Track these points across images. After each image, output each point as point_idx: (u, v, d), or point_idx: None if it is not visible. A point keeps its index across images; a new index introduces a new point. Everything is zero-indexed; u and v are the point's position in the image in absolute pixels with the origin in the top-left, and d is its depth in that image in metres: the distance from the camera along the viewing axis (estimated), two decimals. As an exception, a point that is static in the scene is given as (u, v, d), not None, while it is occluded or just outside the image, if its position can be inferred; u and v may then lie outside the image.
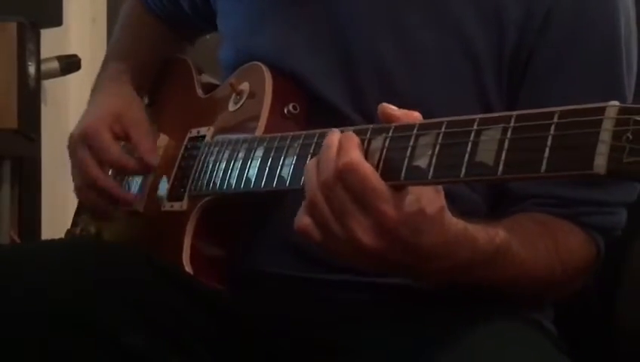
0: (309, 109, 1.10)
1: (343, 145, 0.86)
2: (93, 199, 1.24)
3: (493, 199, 1.09)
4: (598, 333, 1.17)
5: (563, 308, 1.13)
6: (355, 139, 0.86)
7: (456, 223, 0.88)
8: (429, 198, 0.85)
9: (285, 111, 1.09)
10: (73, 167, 1.26)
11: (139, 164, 1.22)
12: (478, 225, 0.93)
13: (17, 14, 2.29)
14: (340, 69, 1.09)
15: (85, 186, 1.24)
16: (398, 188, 0.84)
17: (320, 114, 1.07)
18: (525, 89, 1.06)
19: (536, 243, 1.00)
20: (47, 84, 2.65)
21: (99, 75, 1.38)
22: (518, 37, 1.04)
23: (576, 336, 1.11)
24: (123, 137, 1.24)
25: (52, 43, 2.58)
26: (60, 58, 2.56)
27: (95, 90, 1.35)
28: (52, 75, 2.55)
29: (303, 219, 0.88)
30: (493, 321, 0.98)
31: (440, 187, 0.86)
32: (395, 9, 1.07)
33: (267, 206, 1.09)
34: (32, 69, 2.34)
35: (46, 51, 2.48)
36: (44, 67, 2.46)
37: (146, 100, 1.38)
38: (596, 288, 1.13)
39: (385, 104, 0.88)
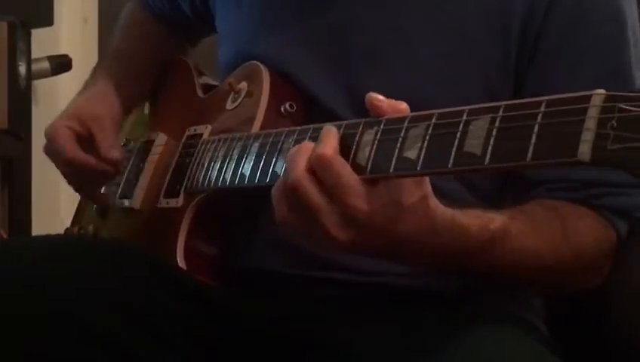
0: (306, 109, 1.10)
1: (321, 139, 0.87)
2: (81, 180, 1.25)
3: (491, 201, 1.08)
4: (590, 333, 1.17)
5: (554, 308, 1.14)
6: (333, 133, 0.87)
7: (442, 212, 0.88)
8: (407, 189, 0.85)
9: (282, 109, 1.10)
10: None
11: (100, 160, 1.22)
12: (473, 212, 0.93)
13: (8, 14, 2.29)
14: (339, 72, 1.09)
15: (69, 174, 1.25)
16: (371, 182, 0.85)
17: (317, 115, 1.07)
18: (531, 78, 1.05)
19: (541, 228, 0.99)
20: (38, 84, 2.64)
21: (90, 74, 1.38)
22: (522, 28, 1.04)
23: (568, 336, 1.11)
24: (86, 136, 1.24)
25: (43, 43, 2.58)
26: (50, 58, 2.56)
27: (87, 81, 1.36)
28: (43, 74, 2.55)
29: (281, 212, 0.89)
30: (482, 320, 0.98)
31: (425, 178, 0.86)
32: (395, 10, 1.07)
33: (261, 203, 1.09)
34: (22, 69, 2.34)
35: (37, 51, 2.48)
36: (34, 67, 2.46)
37: (147, 104, 1.39)
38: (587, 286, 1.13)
39: (372, 94, 0.88)
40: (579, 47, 1.03)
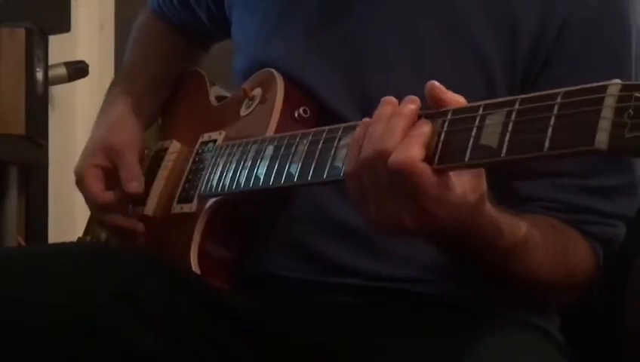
0: (320, 115, 1.10)
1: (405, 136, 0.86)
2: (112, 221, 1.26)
3: None
4: (604, 341, 1.17)
5: (569, 316, 1.13)
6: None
7: (488, 211, 0.90)
8: (471, 185, 0.86)
9: (296, 114, 1.10)
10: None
11: (125, 195, 1.23)
12: (506, 215, 0.94)
13: (25, 20, 2.30)
14: (352, 80, 1.09)
15: (102, 214, 1.27)
16: (443, 177, 0.85)
17: (330, 121, 1.07)
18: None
19: (547, 246, 1.01)
20: (55, 90, 2.65)
21: (106, 93, 1.39)
22: (531, 47, 1.05)
23: (582, 344, 1.11)
24: (112, 169, 1.26)
25: (60, 49, 2.59)
26: (67, 64, 2.56)
27: (104, 105, 1.37)
28: (60, 81, 2.56)
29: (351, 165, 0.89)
30: (496, 327, 0.98)
31: (482, 172, 0.87)
32: (406, 18, 1.07)
33: (274, 208, 1.09)
34: (39, 75, 2.35)
35: (54, 57, 2.49)
36: (51, 73, 2.46)
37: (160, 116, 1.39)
38: (603, 296, 1.14)
39: (434, 83, 0.88)
40: (588, 73, 1.04)
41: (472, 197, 0.87)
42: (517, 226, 0.96)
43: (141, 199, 1.25)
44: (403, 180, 0.84)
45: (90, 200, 1.27)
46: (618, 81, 0.71)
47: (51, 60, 2.45)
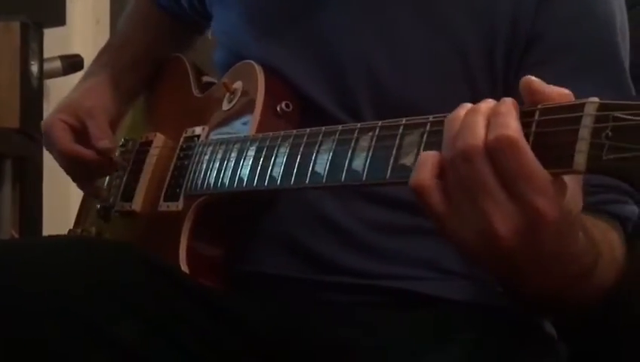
0: (302, 108, 1.10)
1: (498, 111, 0.74)
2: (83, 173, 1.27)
3: None
4: (598, 336, 1.17)
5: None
6: (513, 106, 0.74)
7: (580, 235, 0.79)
8: (574, 197, 0.75)
9: (278, 109, 1.09)
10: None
11: (93, 151, 1.24)
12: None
13: (21, 14, 2.30)
14: (328, 70, 1.08)
15: (65, 166, 1.28)
16: (558, 178, 0.73)
17: (312, 114, 1.07)
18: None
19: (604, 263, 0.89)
20: (50, 84, 2.65)
21: (89, 66, 1.40)
22: (511, 28, 1.03)
23: (576, 339, 1.11)
24: (81, 129, 1.26)
25: (55, 42, 2.59)
26: (62, 58, 2.57)
27: (86, 71, 1.38)
28: (55, 74, 2.56)
29: (424, 175, 0.76)
30: (491, 325, 0.98)
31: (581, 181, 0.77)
32: (383, 14, 1.07)
33: (264, 205, 1.09)
34: (34, 69, 2.35)
35: (49, 51, 2.49)
36: (46, 67, 2.47)
37: (144, 103, 1.39)
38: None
39: (532, 78, 0.75)
40: (575, 54, 1.02)
41: (576, 210, 0.75)
42: (591, 245, 0.83)
43: (106, 165, 1.25)
44: (503, 165, 0.71)
45: (58, 152, 1.26)
46: (596, 99, 0.70)
47: (46, 54, 2.46)
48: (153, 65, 1.38)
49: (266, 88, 1.10)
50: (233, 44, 1.19)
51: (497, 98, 0.94)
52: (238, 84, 1.14)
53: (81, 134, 1.26)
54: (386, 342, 1.00)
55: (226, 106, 1.15)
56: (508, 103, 0.74)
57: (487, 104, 0.76)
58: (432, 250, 1.03)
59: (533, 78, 0.75)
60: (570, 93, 0.74)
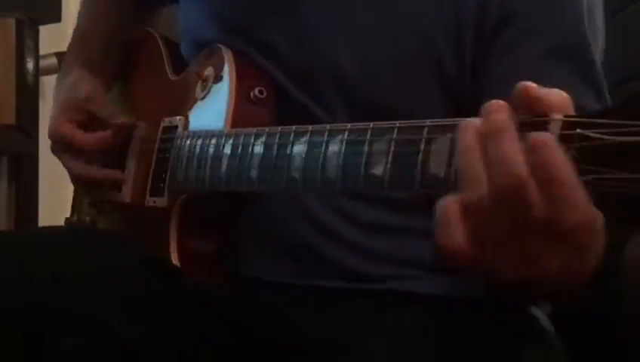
0: (275, 94, 1.08)
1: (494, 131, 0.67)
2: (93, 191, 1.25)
3: None
4: (594, 328, 1.17)
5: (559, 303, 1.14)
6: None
7: None
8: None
9: (251, 95, 1.08)
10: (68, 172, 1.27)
11: (112, 132, 1.22)
12: None
13: (16, 10, 2.30)
14: (298, 71, 1.07)
15: (84, 184, 1.25)
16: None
17: (284, 104, 1.06)
18: (494, 63, 1.02)
19: None
20: (46, 80, 2.65)
21: (62, 65, 1.38)
22: (479, 10, 1.01)
23: (572, 331, 1.11)
24: (86, 121, 1.24)
25: (50, 39, 2.58)
26: (58, 54, 2.56)
27: (60, 73, 1.35)
28: (50, 71, 2.56)
29: (455, 236, 0.67)
30: (491, 323, 0.98)
31: None
32: (346, 11, 1.06)
33: (251, 203, 1.08)
34: (30, 65, 2.35)
35: (44, 47, 2.49)
36: (42, 63, 2.47)
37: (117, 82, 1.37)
38: (593, 281, 1.13)
39: (530, 84, 0.69)
40: (549, 36, 1.01)
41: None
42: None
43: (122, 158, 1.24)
44: (560, 198, 0.65)
45: (70, 146, 1.23)
46: (560, 116, 0.66)
47: (42, 50, 2.46)
48: (123, 43, 1.35)
49: (237, 74, 1.09)
50: (195, 34, 1.18)
51: (466, 87, 0.95)
52: (209, 70, 1.13)
53: (90, 124, 1.24)
54: (380, 342, 0.99)
55: (199, 95, 1.15)
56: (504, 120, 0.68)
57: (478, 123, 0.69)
58: (417, 247, 1.03)
59: (529, 83, 0.69)
60: (569, 97, 0.69)
